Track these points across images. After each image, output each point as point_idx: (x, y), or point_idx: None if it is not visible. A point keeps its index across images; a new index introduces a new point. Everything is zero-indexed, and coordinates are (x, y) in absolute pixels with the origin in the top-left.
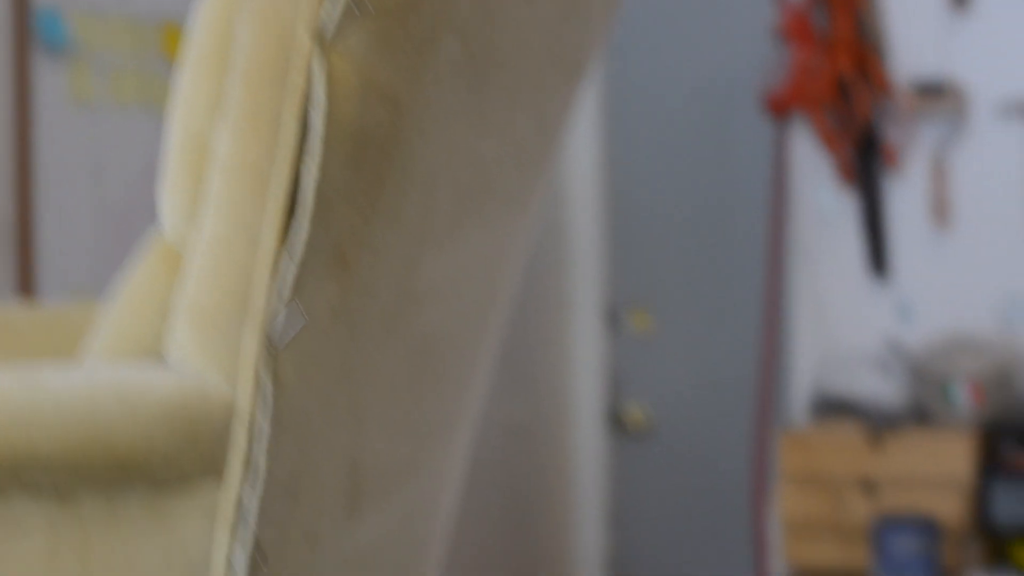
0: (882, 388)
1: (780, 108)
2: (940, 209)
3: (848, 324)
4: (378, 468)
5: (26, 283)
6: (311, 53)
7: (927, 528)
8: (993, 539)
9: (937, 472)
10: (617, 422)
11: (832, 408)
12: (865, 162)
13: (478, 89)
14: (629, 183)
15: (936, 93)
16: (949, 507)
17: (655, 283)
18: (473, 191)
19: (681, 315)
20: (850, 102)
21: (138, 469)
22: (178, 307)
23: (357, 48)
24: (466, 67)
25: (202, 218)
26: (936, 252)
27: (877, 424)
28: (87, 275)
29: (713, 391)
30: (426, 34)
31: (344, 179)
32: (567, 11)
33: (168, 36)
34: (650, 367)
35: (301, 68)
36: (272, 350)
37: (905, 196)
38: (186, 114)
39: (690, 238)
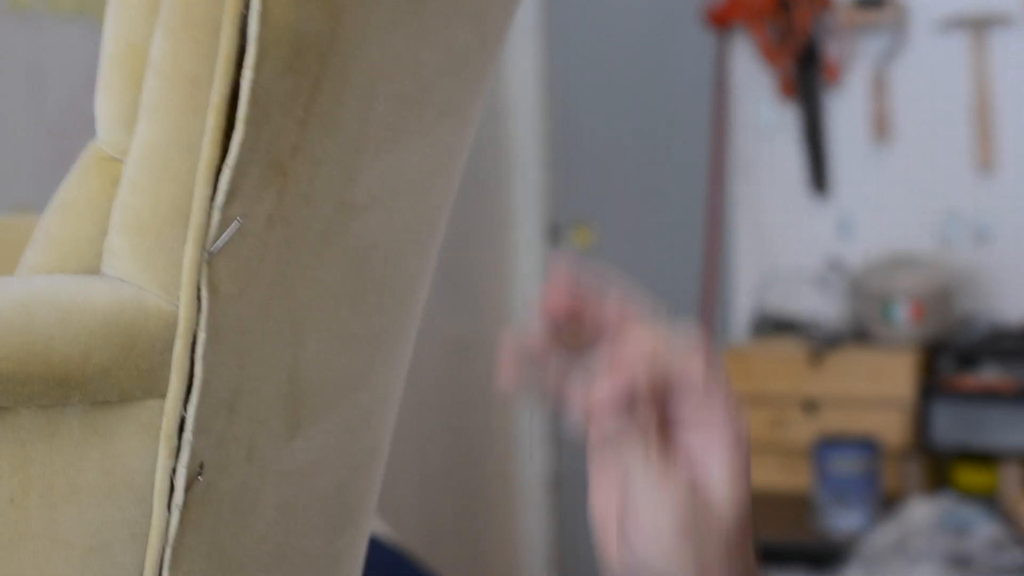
0: (823, 306)
1: (720, 21)
2: (880, 124)
3: (789, 241)
4: (318, 381)
5: None
6: None
7: (868, 448)
8: (934, 460)
9: (878, 392)
10: None
11: (773, 326)
12: (805, 76)
13: None
14: (570, 98)
15: (876, 6)
16: (890, 427)
17: (597, 199)
18: (412, 100)
19: (623, 231)
20: (790, 15)
21: (75, 381)
22: (115, 217)
23: None
24: None
25: (138, 125)
26: (877, 168)
27: (818, 343)
28: (28, 189)
29: (655, 308)
30: None
31: (281, 86)
32: None
33: None
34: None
35: None
36: (209, 259)
37: (845, 111)
38: (122, 20)
39: (632, 154)
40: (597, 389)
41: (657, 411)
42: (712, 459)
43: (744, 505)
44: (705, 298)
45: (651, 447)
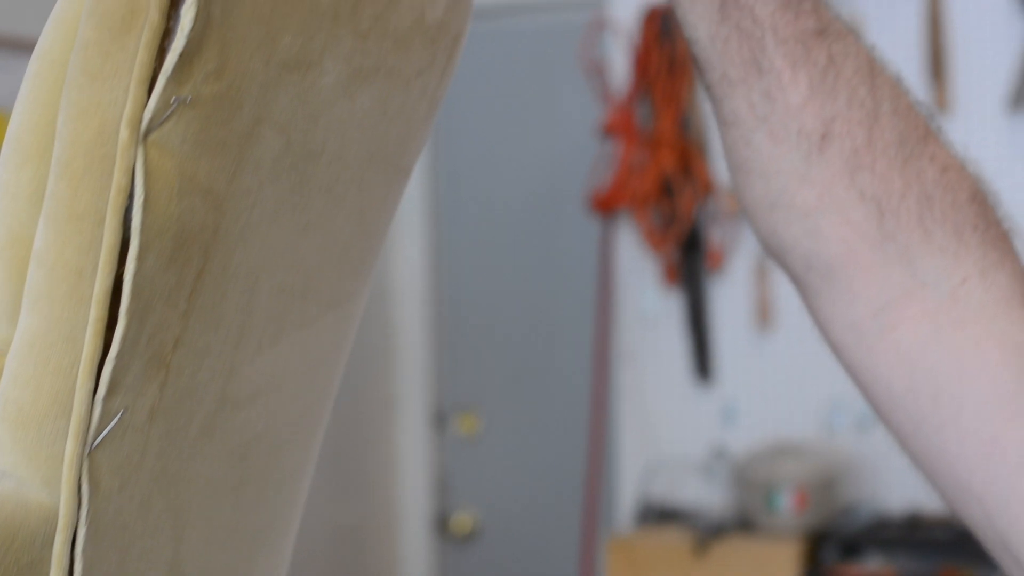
0: (707, 495)
1: (605, 206)
2: (763, 311)
3: (673, 428)
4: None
5: None
6: (131, 147)
7: None
8: None
9: None
10: (444, 526)
11: (658, 515)
12: (689, 263)
13: (299, 186)
14: (457, 283)
15: None
16: None
17: (483, 385)
18: (295, 292)
19: (509, 418)
20: (674, 201)
21: None
22: None
23: (177, 143)
24: (286, 163)
25: (21, 315)
26: (760, 355)
27: (702, 533)
28: None
29: (541, 496)
30: (247, 129)
31: (163, 277)
32: (388, 109)
33: None
34: (478, 471)
35: (121, 163)
36: (90, 453)
37: (728, 297)
38: (5, 208)
39: (517, 339)
40: None
41: None
42: None
43: None
44: (590, 486)
45: None
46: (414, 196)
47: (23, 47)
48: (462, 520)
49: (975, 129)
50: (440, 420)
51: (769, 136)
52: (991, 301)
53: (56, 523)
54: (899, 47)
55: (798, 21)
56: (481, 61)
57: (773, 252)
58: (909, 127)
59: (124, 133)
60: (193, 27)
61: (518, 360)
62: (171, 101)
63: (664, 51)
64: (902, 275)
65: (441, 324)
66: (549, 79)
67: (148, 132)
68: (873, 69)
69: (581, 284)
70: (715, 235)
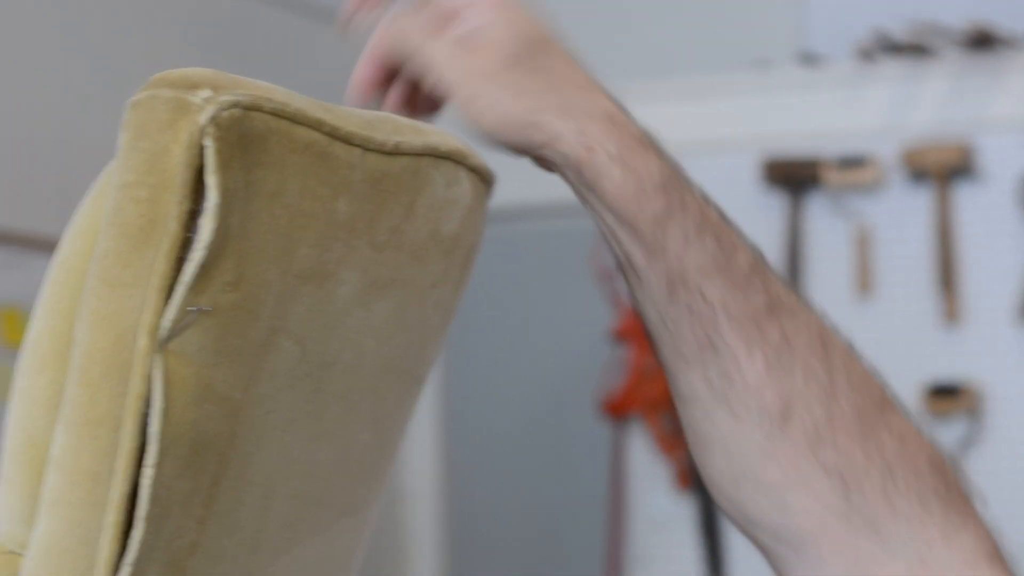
0: None
1: (617, 411)
2: None
3: None
4: None
5: None
6: (149, 355)
7: None
8: None
9: None
10: None
11: None
12: None
13: (314, 394)
14: (468, 487)
15: None
16: None
17: None
18: (310, 499)
19: None
20: None
21: None
22: None
23: (195, 351)
24: (302, 371)
25: (37, 519)
26: None
27: None
28: None
29: None
30: (263, 338)
31: (180, 483)
32: (404, 319)
33: (6, 321)
34: None
35: (139, 370)
36: None
37: None
38: (24, 412)
39: (529, 542)
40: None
41: None
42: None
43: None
44: None
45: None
46: (425, 397)
47: (39, 246)
48: None
49: (985, 339)
50: None
51: (730, 414)
52: (957, 562)
53: None
54: (909, 259)
55: (748, 299)
56: (492, 263)
57: (740, 524)
58: (865, 399)
59: (142, 341)
60: (212, 238)
61: (530, 564)
62: (189, 310)
63: None
64: (871, 544)
65: (452, 528)
66: (560, 283)
67: (166, 340)
68: (826, 342)
69: (592, 488)
70: None
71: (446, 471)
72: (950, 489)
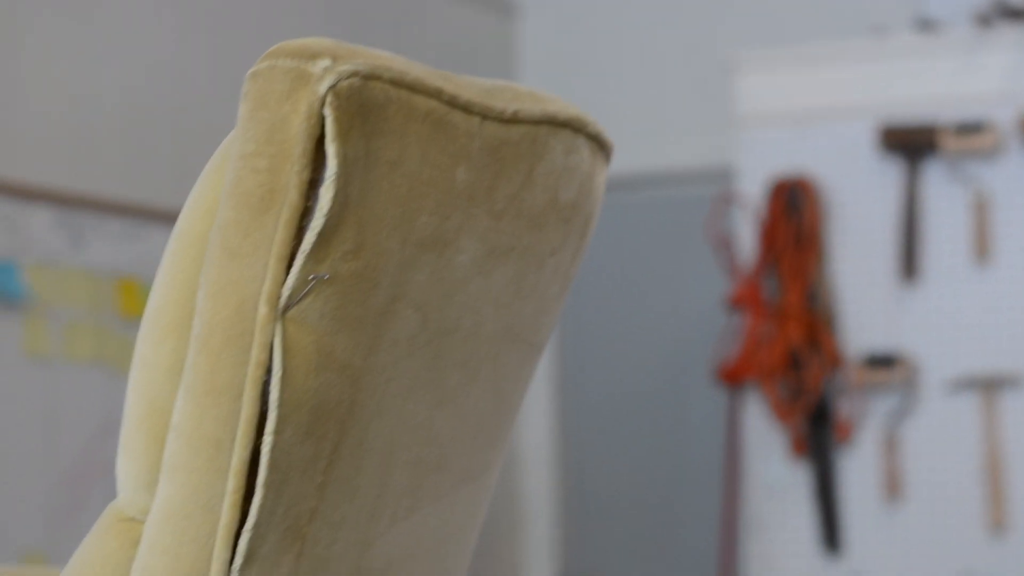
0: None
1: (732, 378)
2: (891, 483)
3: None
4: None
5: None
6: (270, 324)
7: None
8: None
9: None
10: None
11: None
12: (816, 435)
13: (434, 361)
14: (583, 452)
15: (887, 366)
16: None
17: (609, 553)
18: (429, 466)
19: None
20: (801, 374)
21: None
22: None
23: (315, 319)
24: (422, 339)
25: (158, 486)
26: (888, 526)
27: None
28: (39, 535)
29: None
30: (384, 306)
31: (300, 450)
32: (522, 287)
33: (124, 292)
34: None
35: (260, 339)
36: None
37: (856, 469)
38: (145, 380)
39: (644, 507)
40: None
41: None
42: None
43: None
44: None
45: None
46: (541, 364)
47: (156, 217)
48: None
49: None
50: None
51: None
52: None
53: None
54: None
55: None
56: (609, 231)
57: None
58: None
59: (263, 309)
60: (332, 207)
61: (645, 528)
62: (309, 278)
63: (791, 225)
64: None
65: (568, 492)
66: (677, 251)
67: (287, 308)
68: None
69: (708, 454)
70: (843, 407)
71: (562, 438)
72: None
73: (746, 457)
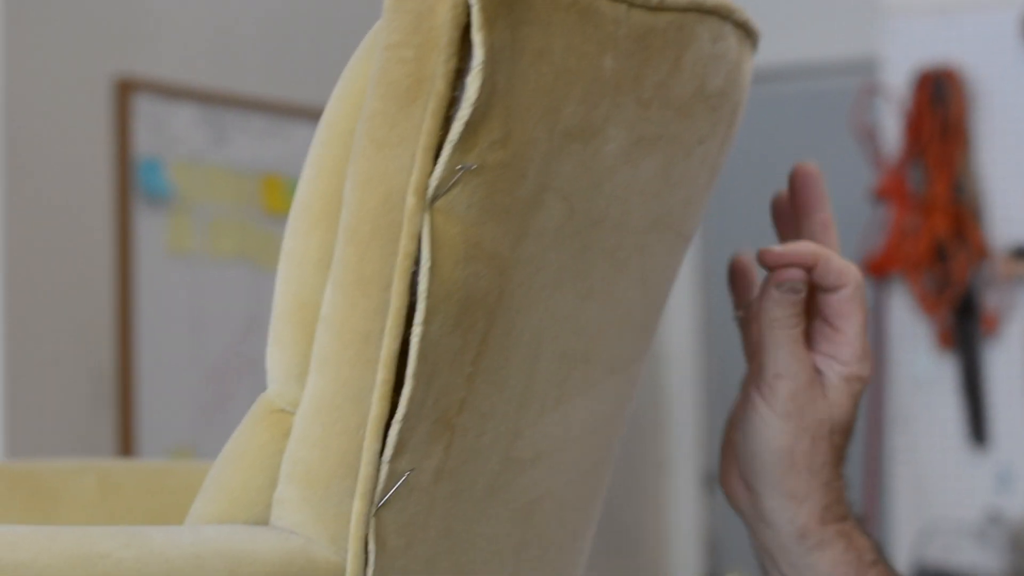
0: (983, 560)
1: (878, 270)
2: None
3: (947, 492)
4: None
5: (126, 437)
6: (418, 215)
7: None
8: None
9: None
10: None
11: None
12: (963, 327)
13: (582, 252)
14: (727, 345)
15: None
16: None
17: None
18: (577, 357)
19: None
20: (947, 265)
21: None
22: (285, 469)
23: (463, 209)
24: (570, 229)
25: (308, 379)
26: None
27: None
28: (188, 431)
29: None
30: (531, 196)
31: (449, 341)
32: (670, 176)
33: (268, 189)
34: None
35: (408, 229)
36: (376, 512)
37: (1004, 363)
38: (293, 272)
39: None
40: (791, 247)
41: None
42: (841, 348)
43: (852, 408)
44: None
45: (798, 320)
46: (687, 259)
47: (297, 113)
48: None
49: None
50: (711, 482)
51: None
52: None
53: None
54: None
55: None
56: (753, 124)
57: None
58: None
59: (411, 200)
60: (479, 96)
61: None
62: (457, 169)
63: (937, 116)
64: None
65: (711, 386)
66: (821, 143)
67: (434, 199)
68: None
69: None
70: (990, 300)
71: (705, 334)
72: None
73: (892, 350)
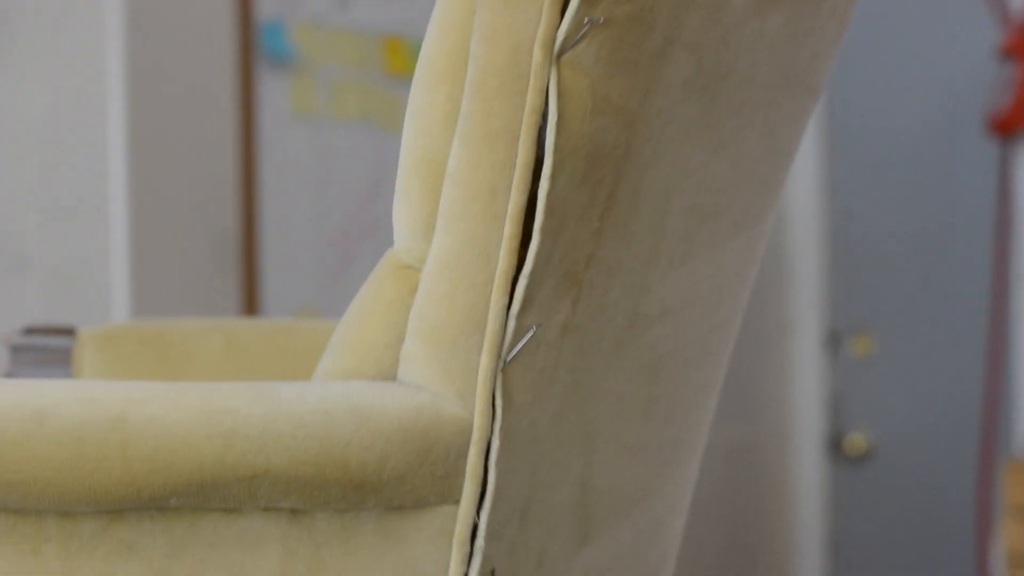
0: None
1: (1004, 129)
2: None
3: None
4: (609, 490)
5: (251, 300)
6: (545, 68)
7: None
8: None
9: None
10: (838, 448)
11: None
12: None
13: (709, 106)
14: (851, 205)
15: None
16: None
17: (877, 307)
18: (704, 211)
19: (904, 340)
20: None
21: (371, 486)
22: (412, 325)
23: (591, 63)
24: (698, 83)
25: (435, 234)
26: None
27: None
28: (311, 293)
29: (937, 418)
30: (659, 49)
31: (577, 196)
32: (798, 30)
33: (391, 50)
34: (872, 393)
35: (535, 83)
36: (504, 367)
37: None
38: (420, 128)
39: (913, 261)
40: None
41: None
42: None
43: None
44: (988, 407)
45: None
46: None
47: None
48: (856, 441)
49: None
50: (834, 342)
51: None
52: None
53: (470, 436)
54: None
55: None
56: None
57: None
58: None
59: (538, 54)
60: None
61: (914, 281)
62: (584, 22)
63: None
64: None
65: (835, 246)
66: (945, 0)
67: (561, 52)
68: None
69: (979, 206)
70: None
71: (829, 190)
72: None
73: (1018, 209)
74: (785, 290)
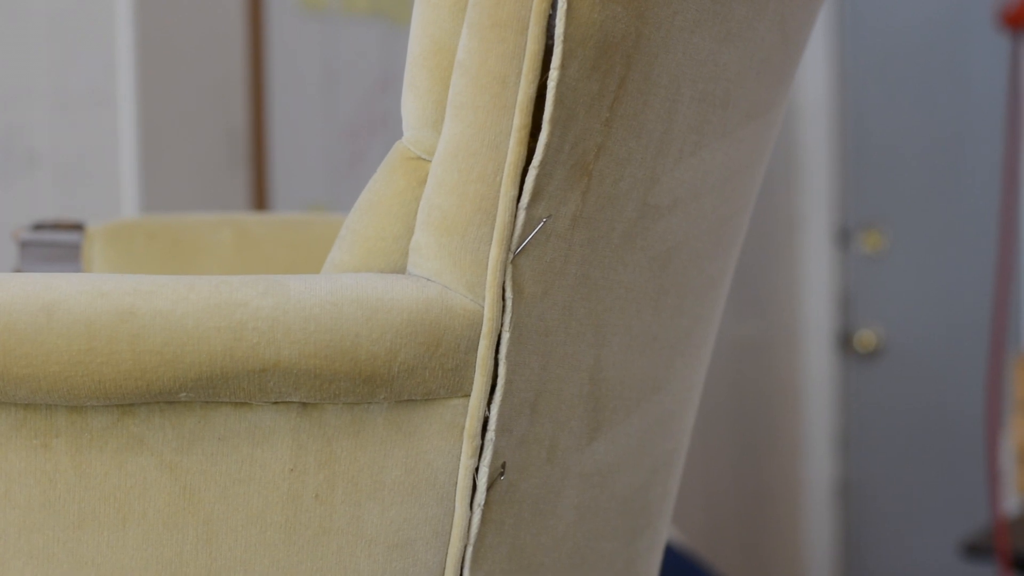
0: None
1: (1015, 22)
2: None
3: None
4: (619, 383)
5: (260, 194)
6: None
7: None
8: None
9: None
10: (848, 343)
11: None
12: None
13: None
14: (861, 100)
15: None
16: None
17: (887, 203)
18: (715, 102)
19: (914, 236)
20: None
21: (381, 380)
22: (421, 216)
23: None
24: None
25: (444, 124)
26: None
27: None
28: (322, 188)
29: (946, 314)
30: None
31: (587, 86)
32: None
33: None
34: (882, 288)
35: None
36: (514, 259)
37: None
38: (427, 19)
39: (924, 156)
40: None
41: None
42: None
43: None
44: (998, 302)
45: None
46: (821, 10)
47: None
48: (866, 337)
49: None
50: (844, 237)
51: None
52: None
53: (480, 328)
54: None
55: None
56: None
57: None
58: None
59: None
60: None
61: (924, 177)
62: None
63: None
64: None
65: (845, 141)
66: None
67: None
68: None
69: (990, 101)
70: None
71: (839, 83)
72: None
73: None
74: (795, 186)
